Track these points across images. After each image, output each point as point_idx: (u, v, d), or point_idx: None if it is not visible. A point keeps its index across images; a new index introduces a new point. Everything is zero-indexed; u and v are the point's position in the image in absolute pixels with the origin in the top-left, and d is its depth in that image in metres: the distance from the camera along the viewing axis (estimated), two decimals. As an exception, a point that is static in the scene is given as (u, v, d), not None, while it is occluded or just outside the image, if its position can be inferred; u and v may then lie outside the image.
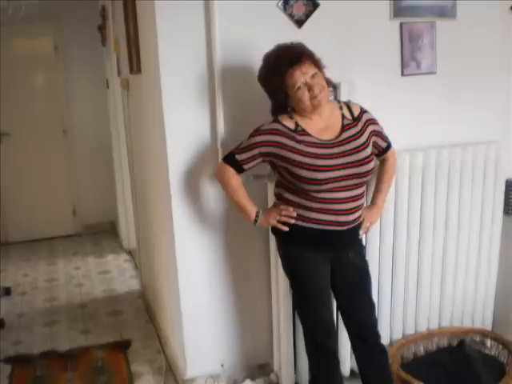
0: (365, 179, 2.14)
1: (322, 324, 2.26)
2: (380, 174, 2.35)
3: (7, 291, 4.16)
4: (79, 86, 5.46)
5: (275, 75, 2.05)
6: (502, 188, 2.78)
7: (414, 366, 2.61)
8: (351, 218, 2.13)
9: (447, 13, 2.67)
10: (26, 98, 5.34)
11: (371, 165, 2.13)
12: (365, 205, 2.29)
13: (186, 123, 2.42)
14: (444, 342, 2.77)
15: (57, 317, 3.75)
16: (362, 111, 2.19)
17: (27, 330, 3.57)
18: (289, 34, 2.31)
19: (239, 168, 2.16)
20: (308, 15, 2.46)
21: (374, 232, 2.52)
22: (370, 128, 2.18)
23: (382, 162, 2.34)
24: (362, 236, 2.37)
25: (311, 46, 2.12)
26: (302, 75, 2.03)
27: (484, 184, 2.72)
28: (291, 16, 2.44)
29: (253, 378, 2.72)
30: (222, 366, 2.70)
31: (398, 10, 2.58)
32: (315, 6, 2.46)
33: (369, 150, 2.14)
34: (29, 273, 4.68)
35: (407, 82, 2.67)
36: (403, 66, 2.64)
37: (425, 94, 2.71)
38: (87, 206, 5.67)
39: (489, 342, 2.77)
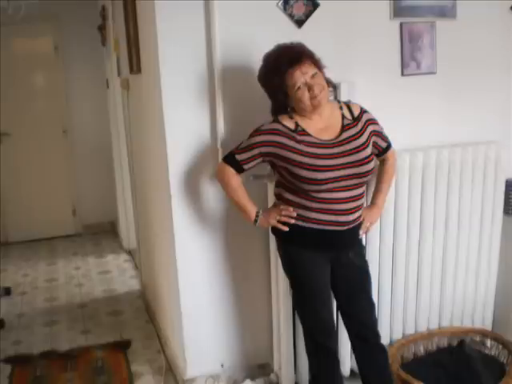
0: (365, 179, 2.14)
1: (322, 324, 2.26)
2: (380, 173, 2.35)
3: (7, 291, 4.16)
4: (79, 85, 5.46)
5: (275, 75, 2.05)
6: (502, 188, 2.78)
7: (414, 366, 2.61)
8: (351, 217, 2.13)
9: (447, 13, 2.67)
10: (26, 98, 5.34)
11: (371, 165, 2.13)
12: (365, 205, 2.29)
13: (186, 123, 2.42)
14: (444, 342, 2.77)
15: (57, 317, 3.75)
16: (362, 111, 2.19)
17: (27, 329, 3.57)
18: (289, 34, 2.31)
19: (239, 168, 2.16)
20: (308, 15, 2.46)
21: (374, 232, 2.52)
22: (370, 128, 2.18)
23: (382, 162, 2.34)
24: (362, 236, 2.37)
25: (311, 46, 2.12)
26: (302, 75, 2.03)
27: (484, 184, 2.72)
28: (291, 16, 2.44)
29: (253, 378, 2.72)
30: (222, 365, 2.70)
31: (398, 10, 2.58)
32: (315, 5, 2.46)
33: (369, 150, 2.14)
34: (29, 273, 4.68)
35: (407, 82, 2.66)
36: (403, 66, 2.64)
37: (425, 94, 2.71)
38: (87, 205, 5.67)
39: (489, 342, 2.77)
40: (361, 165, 2.09)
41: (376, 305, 2.39)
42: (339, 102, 2.23)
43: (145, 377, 2.92)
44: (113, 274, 4.54)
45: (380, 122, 2.24)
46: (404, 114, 2.67)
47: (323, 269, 2.21)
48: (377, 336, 2.31)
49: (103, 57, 4.94)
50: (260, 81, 2.15)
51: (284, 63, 2.03)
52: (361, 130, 2.14)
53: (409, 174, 2.55)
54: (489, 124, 2.85)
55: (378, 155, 2.28)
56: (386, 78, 2.63)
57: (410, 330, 2.75)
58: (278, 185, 2.22)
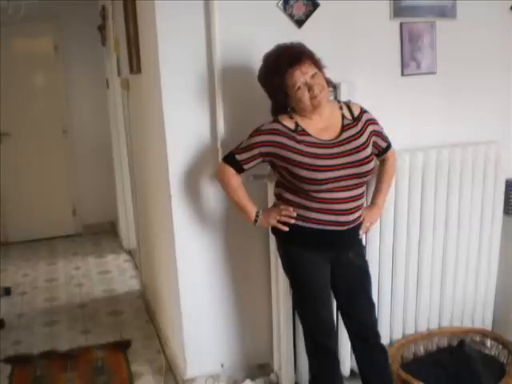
0: (365, 179, 2.14)
1: (322, 324, 2.26)
2: (380, 173, 2.35)
3: (7, 291, 4.16)
4: (79, 85, 5.46)
5: (275, 75, 2.05)
6: (502, 188, 2.78)
7: (414, 366, 2.61)
8: (351, 217, 2.13)
9: (447, 13, 2.67)
10: (26, 98, 5.34)
11: (371, 165, 2.13)
12: (365, 205, 2.29)
13: (186, 123, 2.42)
14: (444, 342, 2.77)
15: (57, 317, 3.75)
16: (362, 111, 2.19)
17: (27, 329, 3.57)
18: (289, 34, 2.32)
19: (239, 168, 2.16)
20: (308, 15, 2.46)
21: (374, 232, 2.52)
22: (370, 128, 2.18)
23: (382, 162, 2.34)
24: (362, 236, 2.37)
25: (311, 46, 2.12)
26: (302, 75, 2.03)
27: (484, 184, 2.72)
28: (291, 16, 2.44)
29: (253, 378, 2.72)
30: (222, 366, 2.70)
31: (398, 10, 2.58)
32: (315, 5, 2.46)
33: (369, 150, 2.14)
34: (29, 273, 4.68)
35: (407, 82, 2.66)
36: (403, 66, 2.64)
37: (425, 94, 2.71)
38: (87, 205, 5.67)
39: (489, 342, 2.77)
40: (361, 165, 2.09)
41: (376, 305, 2.39)
42: (339, 101, 2.23)
43: (145, 377, 2.92)
44: (113, 274, 4.54)
45: (380, 121, 2.24)
46: (404, 114, 2.67)
47: (323, 269, 2.21)
48: (377, 336, 2.31)
49: (103, 57, 4.93)
50: (260, 81, 2.15)
51: (284, 63, 2.03)
52: (361, 129, 2.14)
53: (409, 174, 2.55)
54: (489, 124, 2.85)
55: (378, 155, 2.28)
56: (386, 78, 2.63)
57: (410, 330, 2.75)
58: (278, 185, 2.22)
